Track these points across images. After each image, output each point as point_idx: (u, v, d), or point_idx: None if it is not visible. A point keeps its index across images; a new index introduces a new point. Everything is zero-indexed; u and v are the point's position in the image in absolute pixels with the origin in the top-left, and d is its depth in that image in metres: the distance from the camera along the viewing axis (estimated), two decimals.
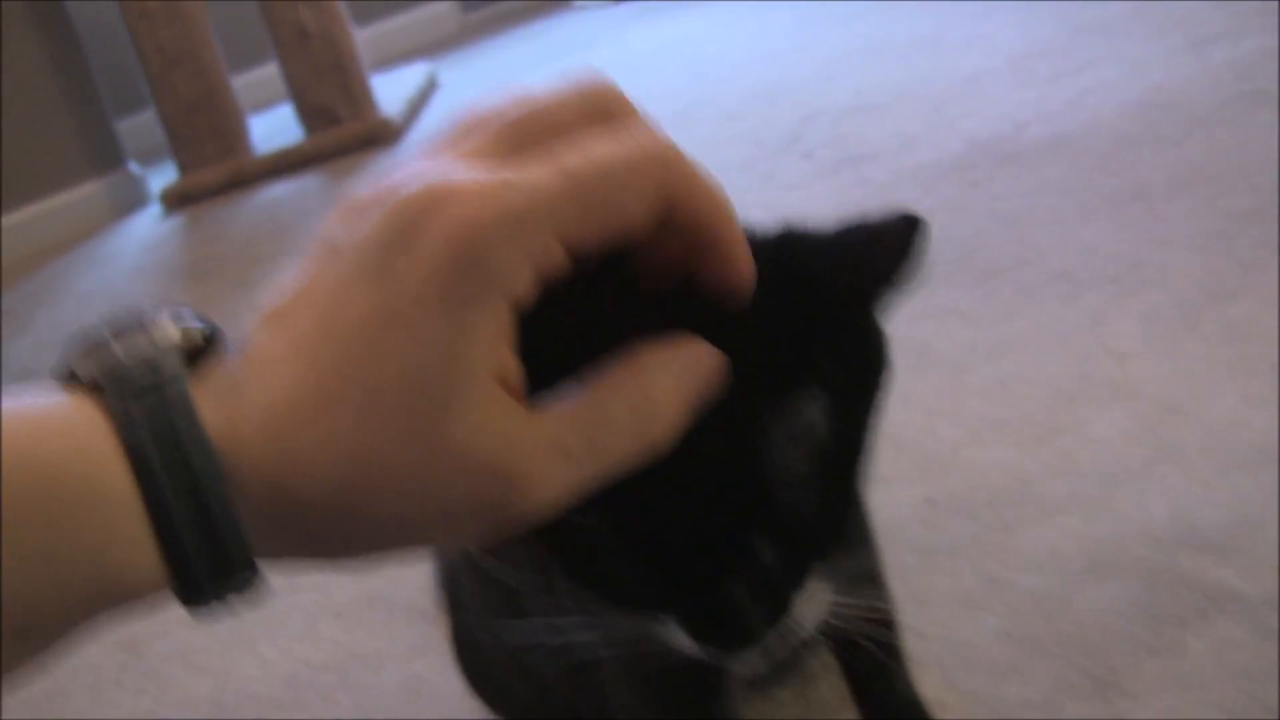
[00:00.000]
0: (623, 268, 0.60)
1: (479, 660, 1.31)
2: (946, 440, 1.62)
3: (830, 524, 0.72)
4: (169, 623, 1.77)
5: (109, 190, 4.47)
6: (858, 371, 0.71)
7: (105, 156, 4.49)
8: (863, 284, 0.68)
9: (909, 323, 1.94)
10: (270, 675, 1.61)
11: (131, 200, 4.52)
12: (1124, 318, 1.78)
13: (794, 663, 1.29)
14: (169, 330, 0.53)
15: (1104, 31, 3.00)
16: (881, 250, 0.67)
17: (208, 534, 0.50)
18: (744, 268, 0.59)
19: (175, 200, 4.34)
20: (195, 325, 0.54)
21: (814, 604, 0.71)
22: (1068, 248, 2.02)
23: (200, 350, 0.53)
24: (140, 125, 4.99)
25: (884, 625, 1.10)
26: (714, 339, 0.59)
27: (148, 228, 4.35)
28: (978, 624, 1.31)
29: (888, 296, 0.70)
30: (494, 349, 0.51)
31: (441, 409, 0.50)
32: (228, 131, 4.26)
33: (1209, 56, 2.65)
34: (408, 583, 1.67)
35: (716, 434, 0.62)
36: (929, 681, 1.24)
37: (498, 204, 0.50)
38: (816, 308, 0.66)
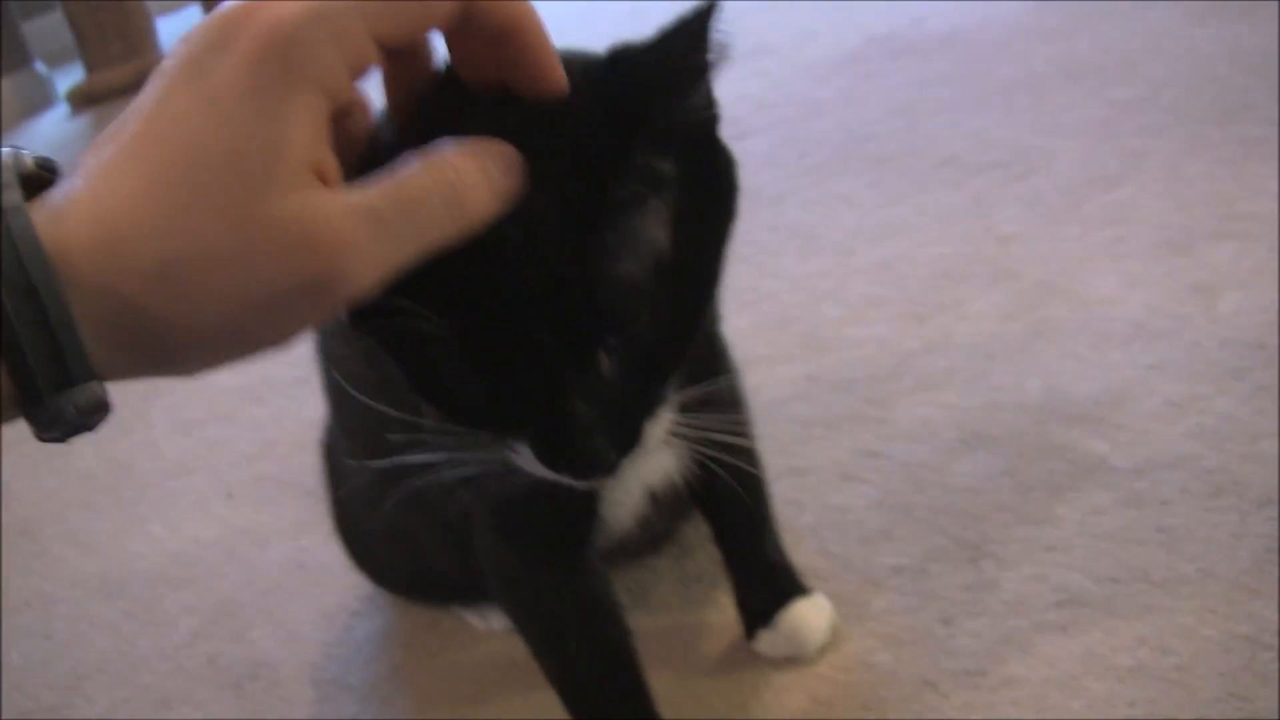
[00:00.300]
0: (454, 82, 0.65)
1: (355, 529, 1.31)
2: (829, 319, 1.63)
3: (677, 345, 0.74)
4: (63, 506, 1.77)
5: (15, 89, 4.41)
6: (701, 189, 0.72)
7: (11, 56, 4.43)
8: (672, 72, 0.68)
9: (797, 209, 1.97)
10: (159, 552, 1.61)
11: (38, 100, 4.46)
12: (1008, 202, 1.79)
13: (669, 533, 1.31)
14: (6, 163, 0.54)
15: None
16: (684, 37, 0.67)
17: (46, 340, 0.51)
18: (548, 66, 0.63)
19: (81, 100, 4.28)
20: (32, 158, 0.56)
21: (658, 427, 0.74)
22: (956, 136, 2.04)
23: (43, 181, 0.56)
24: (49, 26, 4.91)
25: (743, 449, 1.11)
26: (537, 143, 0.62)
27: (54, 127, 4.30)
28: (852, 493, 1.32)
29: (699, 77, 0.69)
30: (308, 135, 0.54)
31: (257, 189, 0.52)
32: (134, 31, 4.19)
33: None
34: (298, 463, 1.66)
35: (548, 238, 0.64)
36: (803, 548, 1.25)
37: (307, 2, 0.54)
38: (640, 109, 0.66)
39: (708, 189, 0.73)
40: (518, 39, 0.62)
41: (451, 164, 0.58)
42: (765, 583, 1.16)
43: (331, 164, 0.56)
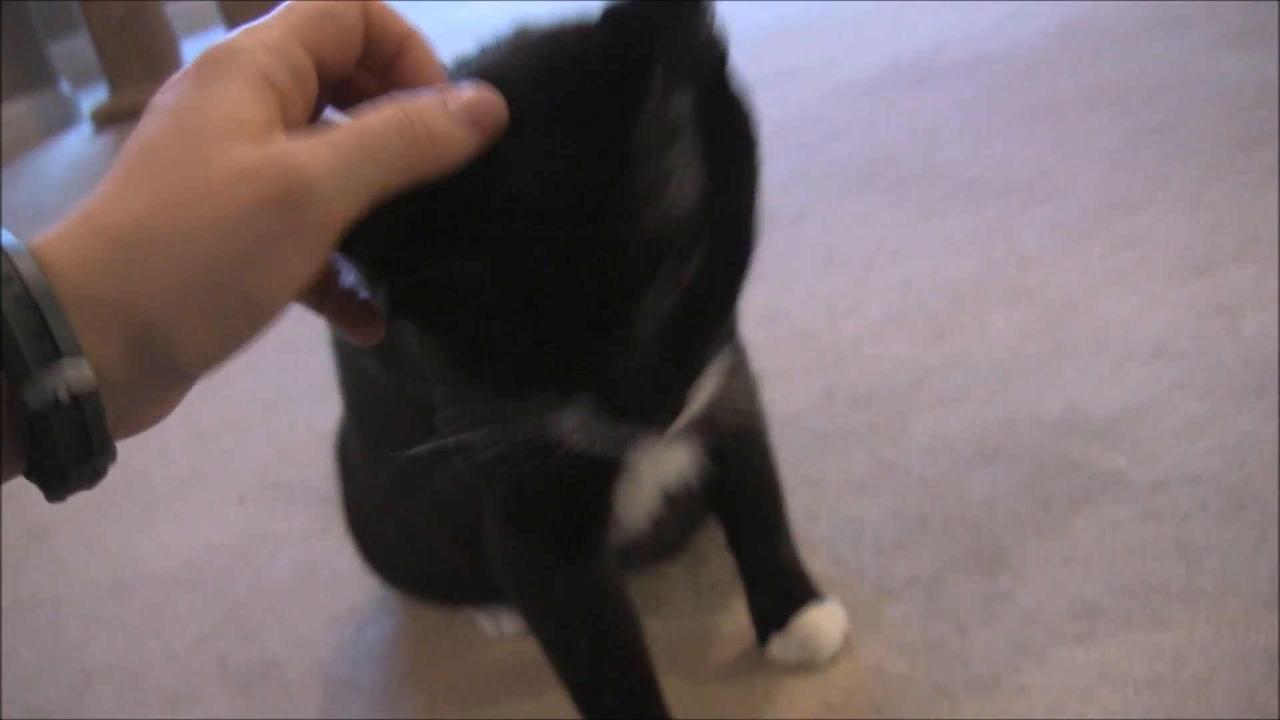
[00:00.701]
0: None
1: (367, 529, 1.31)
2: (848, 336, 1.63)
3: (721, 301, 0.74)
4: (75, 510, 1.76)
5: (39, 109, 4.44)
6: (721, 131, 0.71)
7: (36, 76, 4.45)
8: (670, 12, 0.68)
9: (818, 229, 1.97)
10: (170, 556, 1.60)
11: (62, 119, 4.49)
12: (1029, 225, 1.79)
13: (683, 540, 1.30)
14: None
15: None
16: None
17: (29, 315, 0.52)
18: (435, 73, 0.68)
19: (105, 119, 4.31)
20: None
21: (712, 380, 0.74)
22: (978, 160, 2.03)
23: None
24: (74, 47, 4.94)
25: (759, 449, 1.13)
26: (549, 96, 0.66)
27: (78, 146, 4.33)
28: (868, 505, 1.32)
29: (698, 14, 0.70)
30: (256, 108, 0.58)
31: (210, 146, 0.56)
32: (157, 51, 4.22)
33: None
34: (312, 471, 1.66)
35: (576, 190, 0.64)
36: (818, 559, 1.25)
37: (251, 29, 0.62)
38: (645, 54, 0.66)
39: (727, 131, 0.72)
40: (411, 44, 0.68)
41: (412, 104, 0.61)
42: (779, 588, 1.16)
43: (298, 110, 0.62)
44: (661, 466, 1.00)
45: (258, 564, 1.53)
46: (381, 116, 0.60)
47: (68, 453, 0.55)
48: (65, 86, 4.54)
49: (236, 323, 0.57)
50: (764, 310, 1.72)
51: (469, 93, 0.63)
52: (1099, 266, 1.64)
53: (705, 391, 0.73)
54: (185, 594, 1.51)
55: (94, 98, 4.38)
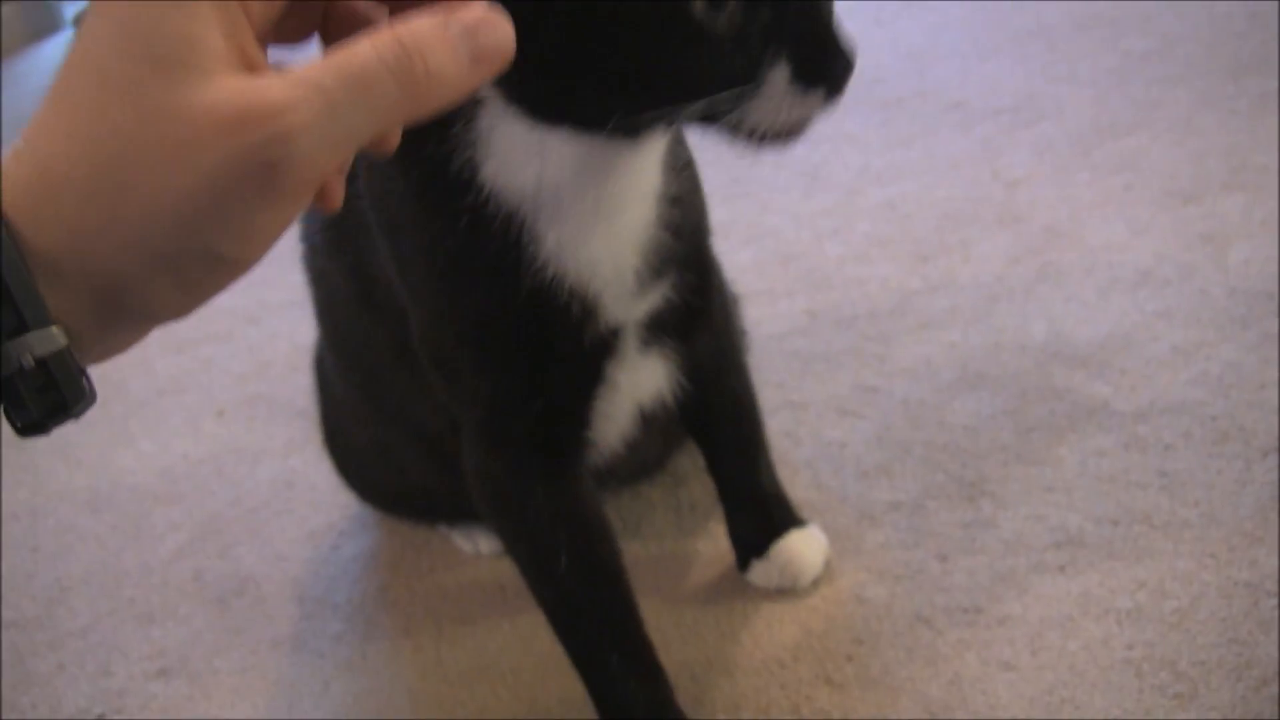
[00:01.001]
0: None
1: (344, 446, 1.30)
2: (832, 257, 1.62)
3: None
4: None
5: (23, 14, 4.36)
6: None
7: None
8: None
9: (804, 147, 1.92)
10: (147, 468, 1.59)
11: (44, 25, 4.41)
12: (1017, 148, 1.77)
13: (662, 461, 1.29)
14: None
15: None
16: None
17: None
18: None
19: None
20: None
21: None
22: (966, 81, 2.02)
23: None
24: None
25: (737, 369, 1.13)
26: None
27: (59, 52, 4.27)
28: (850, 429, 1.31)
29: None
30: (222, 27, 0.51)
31: (174, 77, 0.49)
32: None
33: None
34: (291, 384, 1.65)
35: None
36: (798, 482, 1.24)
37: None
38: None
39: None
40: None
41: (410, 36, 0.53)
42: (759, 513, 1.15)
43: (262, 61, 0.53)
44: (638, 381, 0.99)
45: (235, 478, 1.52)
46: (374, 51, 0.52)
47: (39, 412, 0.52)
48: None
49: (210, 279, 0.53)
50: (747, 229, 1.70)
51: (475, 11, 0.55)
52: (1086, 191, 1.63)
53: None
54: (162, 507, 1.50)
55: (78, 5, 4.32)
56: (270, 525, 1.41)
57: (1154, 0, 2.16)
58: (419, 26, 0.54)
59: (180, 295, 0.53)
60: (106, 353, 0.55)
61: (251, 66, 0.52)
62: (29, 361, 0.50)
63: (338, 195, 0.62)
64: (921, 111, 1.94)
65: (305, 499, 1.44)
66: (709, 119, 0.75)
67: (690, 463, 1.30)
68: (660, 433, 1.12)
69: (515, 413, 0.96)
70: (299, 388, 1.63)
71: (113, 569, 1.42)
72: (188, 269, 0.52)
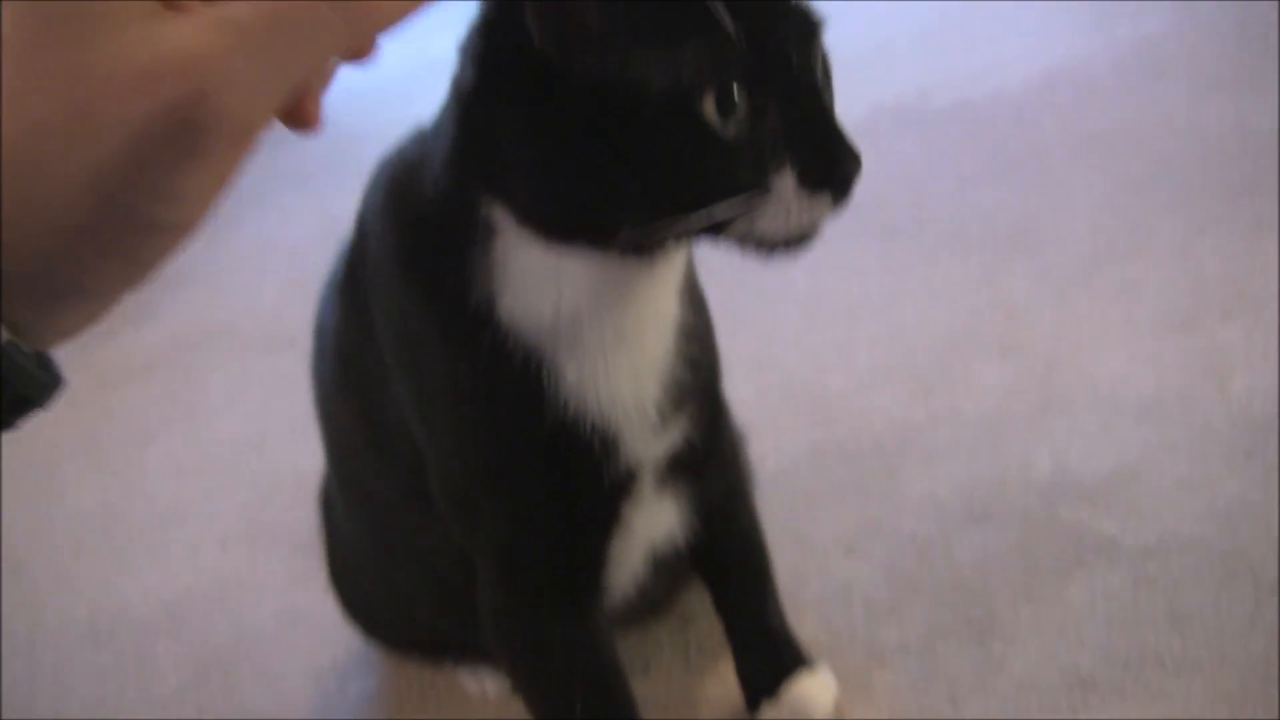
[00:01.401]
0: None
1: (350, 582, 1.30)
2: (834, 389, 1.62)
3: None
4: (52, 548, 1.75)
5: None
6: None
7: None
8: None
9: (804, 276, 1.96)
10: (150, 600, 1.58)
11: None
12: (1016, 275, 1.78)
13: (670, 600, 1.29)
14: None
15: (1014, 6, 3.01)
16: None
17: None
18: None
19: None
20: None
21: None
22: (965, 209, 2.03)
23: None
24: None
25: (746, 510, 1.14)
26: None
27: None
28: (857, 566, 1.31)
29: None
30: None
31: (84, 32, 0.44)
32: None
33: (1112, 32, 2.66)
34: (293, 516, 1.64)
35: None
36: (806, 620, 1.24)
37: None
38: None
39: None
40: None
41: None
42: (768, 653, 1.15)
43: None
44: (652, 523, 1.00)
45: (239, 611, 1.51)
46: None
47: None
48: None
49: (148, 248, 0.48)
50: (750, 360, 1.71)
51: None
52: (1086, 320, 1.63)
53: None
54: (164, 640, 1.50)
55: None
56: (275, 662, 1.40)
57: (1146, 124, 2.18)
58: None
59: (120, 268, 0.48)
60: (66, 333, 0.51)
61: (178, 5, 0.45)
62: None
63: (312, 114, 0.55)
64: (920, 239, 1.96)
65: (310, 635, 1.43)
66: (718, 229, 0.76)
67: (697, 601, 1.29)
68: (669, 572, 1.11)
69: (533, 554, 0.97)
70: (303, 519, 1.62)
71: (114, 705, 1.41)
72: (120, 241, 0.47)
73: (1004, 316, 1.69)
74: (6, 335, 0.47)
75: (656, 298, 0.88)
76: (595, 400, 0.88)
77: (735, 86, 0.71)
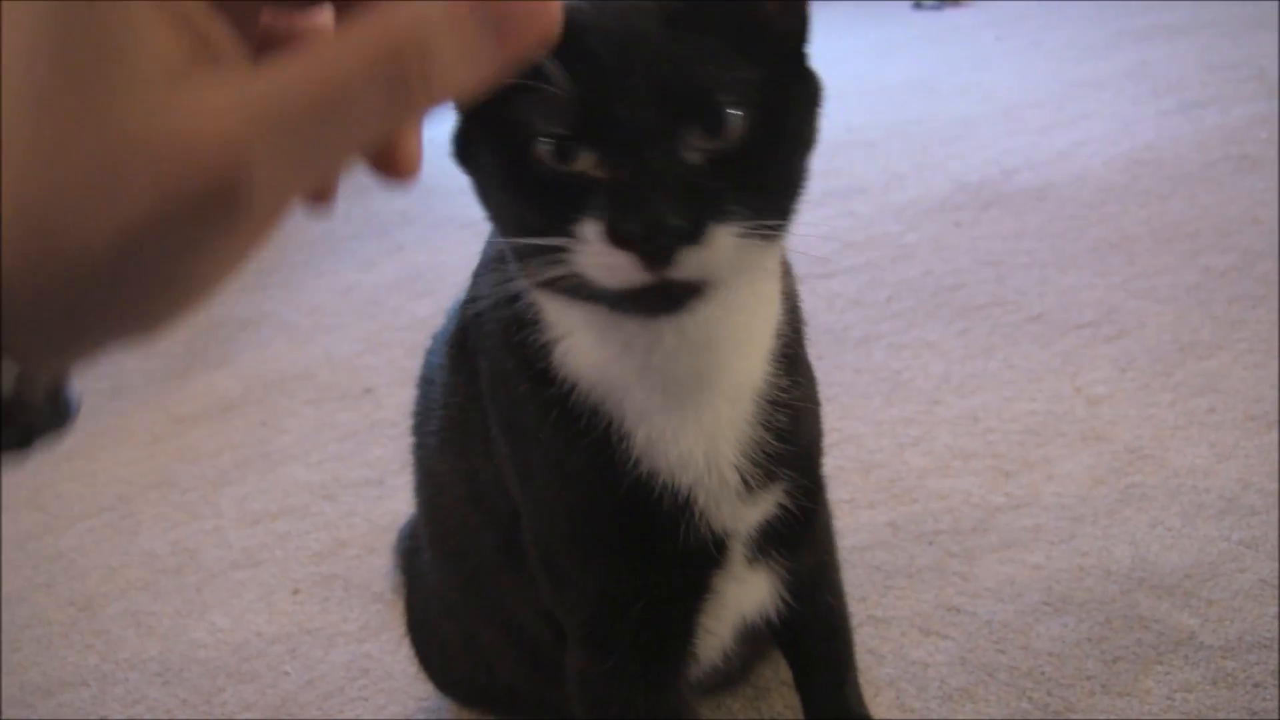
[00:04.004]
0: None
1: (430, 637, 1.30)
2: (914, 468, 1.62)
3: (768, 178, 0.76)
4: (124, 585, 1.76)
5: None
6: (785, 93, 0.77)
7: None
8: None
9: (885, 353, 1.96)
10: (220, 642, 1.59)
11: None
12: (1098, 363, 1.78)
13: (745, 673, 1.29)
14: None
15: (1098, 89, 3.02)
16: None
17: None
18: None
19: None
20: None
21: (724, 252, 0.72)
22: (1046, 292, 2.03)
23: None
24: None
25: (834, 584, 1.12)
26: None
27: None
28: (933, 648, 1.30)
29: None
30: (159, 21, 0.43)
31: (95, 94, 0.41)
32: None
33: (1199, 120, 2.67)
34: (367, 565, 1.66)
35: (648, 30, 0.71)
36: (882, 702, 1.23)
37: None
38: None
39: (792, 96, 0.78)
40: None
41: (406, 25, 0.44)
42: None
43: (221, 38, 0.45)
44: (744, 595, 0.99)
45: (309, 660, 1.51)
46: (355, 58, 0.44)
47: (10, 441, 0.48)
48: None
49: (170, 306, 0.47)
50: (829, 435, 1.70)
51: (510, 10, 0.47)
52: (1169, 412, 1.63)
53: (719, 257, 0.72)
54: (234, 684, 1.50)
55: None
56: (344, 713, 1.40)
57: (1232, 215, 2.18)
58: (419, 9, 0.45)
59: (139, 321, 0.47)
60: (77, 360, 0.48)
61: (213, 54, 0.44)
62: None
63: (412, 157, 0.53)
64: (1001, 321, 1.96)
65: (380, 687, 1.43)
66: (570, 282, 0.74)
67: (772, 674, 1.29)
68: (750, 644, 1.11)
69: (621, 617, 0.96)
70: (375, 570, 1.64)
71: None
72: (142, 299, 0.46)
73: (1085, 404, 1.68)
74: (12, 373, 0.45)
75: (711, 358, 0.86)
76: (665, 462, 0.88)
77: (564, 137, 0.71)
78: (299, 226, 3.24)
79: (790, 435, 0.92)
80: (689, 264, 0.70)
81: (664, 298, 0.73)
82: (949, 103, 3.18)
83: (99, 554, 1.86)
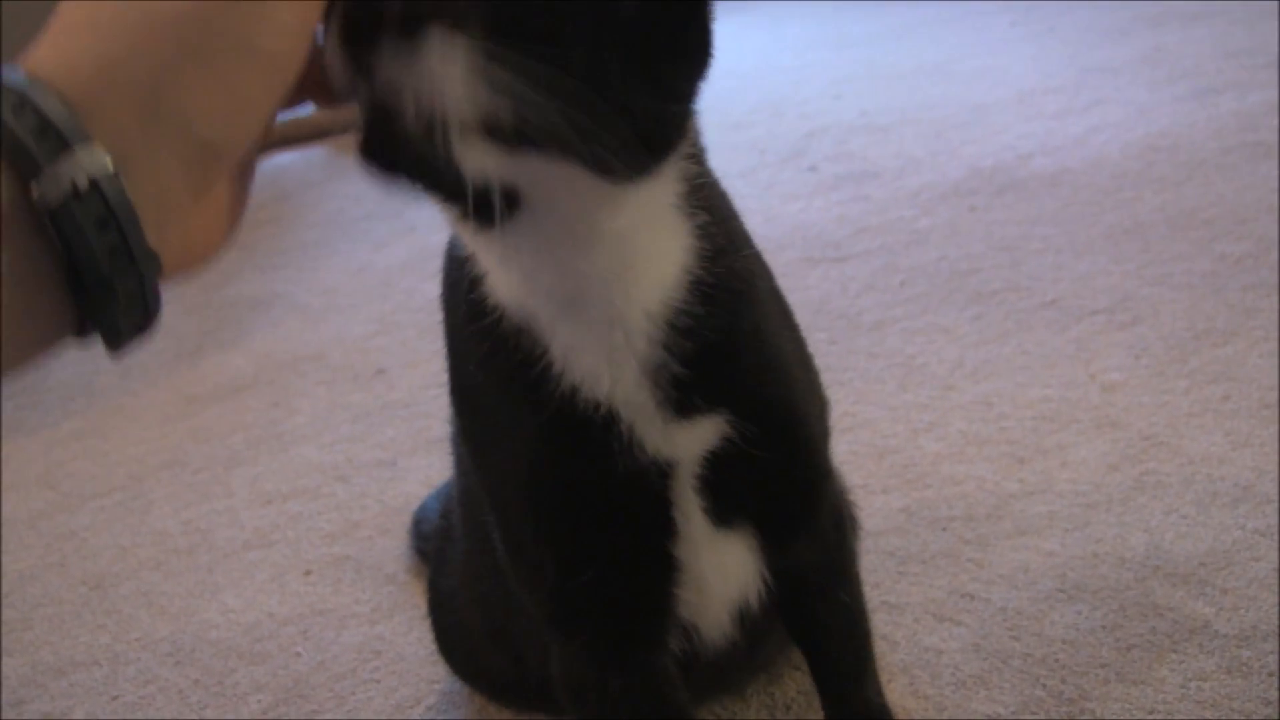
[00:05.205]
0: None
1: (455, 627, 1.29)
2: (927, 453, 1.62)
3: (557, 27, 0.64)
4: (136, 565, 1.76)
5: None
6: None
7: None
8: None
9: (898, 338, 1.96)
10: (232, 623, 1.60)
11: None
12: (1113, 349, 1.77)
13: (766, 664, 1.28)
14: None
15: (1114, 74, 3.01)
16: None
17: (33, 118, 0.51)
18: None
19: None
20: None
21: (447, 76, 0.61)
22: (1061, 278, 2.02)
23: None
24: None
25: (843, 574, 1.08)
26: None
27: None
28: (947, 635, 1.30)
29: None
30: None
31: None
32: None
33: (1214, 106, 2.65)
34: (379, 547, 1.66)
35: None
36: (895, 688, 1.23)
37: None
38: None
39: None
40: None
41: None
42: None
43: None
44: (721, 566, 0.96)
45: (321, 641, 1.52)
46: None
47: (104, 255, 0.53)
48: None
49: (243, 74, 0.54)
50: (841, 420, 1.70)
51: None
52: (1184, 399, 1.62)
53: (440, 80, 0.60)
54: (246, 665, 1.50)
55: None
56: (356, 695, 1.41)
57: (1248, 202, 2.17)
58: None
59: (219, 94, 0.54)
60: (172, 226, 0.57)
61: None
62: (83, 180, 0.51)
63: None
64: (1016, 307, 1.95)
65: (393, 669, 1.43)
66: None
67: (784, 659, 1.29)
68: (760, 634, 1.10)
69: (584, 590, 0.94)
70: (388, 551, 1.64)
71: None
72: (220, 61, 0.53)
73: (1100, 391, 1.68)
74: (109, 163, 0.52)
75: (589, 279, 0.80)
76: (580, 374, 0.84)
77: None
78: (311, 207, 3.24)
79: (705, 365, 0.86)
80: (393, 69, 0.60)
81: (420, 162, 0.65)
82: (963, 87, 3.17)
83: (110, 533, 1.86)
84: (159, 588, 1.71)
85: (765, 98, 3.47)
